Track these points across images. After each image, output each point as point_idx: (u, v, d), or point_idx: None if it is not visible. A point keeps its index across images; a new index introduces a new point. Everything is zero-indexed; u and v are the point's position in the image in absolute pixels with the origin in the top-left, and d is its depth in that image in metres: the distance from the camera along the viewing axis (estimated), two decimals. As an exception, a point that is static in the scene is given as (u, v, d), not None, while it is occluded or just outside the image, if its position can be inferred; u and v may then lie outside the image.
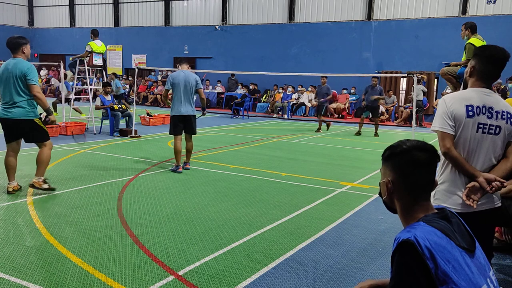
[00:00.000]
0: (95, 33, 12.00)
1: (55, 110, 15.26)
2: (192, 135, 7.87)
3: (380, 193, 1.93)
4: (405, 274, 1.56)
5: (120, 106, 12.46)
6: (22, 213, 5.10)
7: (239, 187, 6.65)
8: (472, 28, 6.73)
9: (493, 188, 2.58)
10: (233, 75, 22.82)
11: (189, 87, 7.69)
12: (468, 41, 6.62)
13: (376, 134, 13.83)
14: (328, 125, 15.08)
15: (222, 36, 23.54)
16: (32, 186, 5.84)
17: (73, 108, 13.50)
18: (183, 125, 7.76)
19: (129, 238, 4.42)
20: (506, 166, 2.70)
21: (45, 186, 5.89)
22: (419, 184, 1.77)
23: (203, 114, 8.31)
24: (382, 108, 18.47)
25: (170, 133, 7.79)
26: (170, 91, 7.84)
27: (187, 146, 7.86)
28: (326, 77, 14.31)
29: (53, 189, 5.98)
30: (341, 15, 20.76)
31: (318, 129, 14.43)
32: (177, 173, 7.45)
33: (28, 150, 8.94)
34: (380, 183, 1.90)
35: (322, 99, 14.25)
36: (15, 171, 5.95)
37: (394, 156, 1.81)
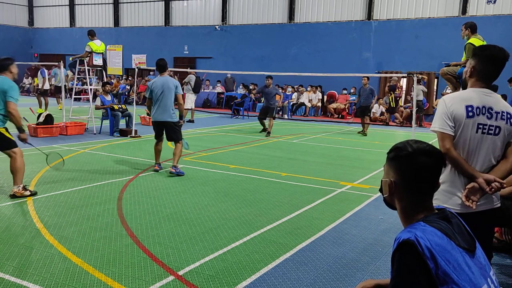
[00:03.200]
0: (92, 34, 12.00)
1: (46, 109, 15.81)
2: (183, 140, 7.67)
3: (380, 190, 1.92)
4: (406, 274, 1.56)
5: (120, 106, 12.46)
6: (22, 213, 5.10)
7: (239, 187, 6.65)
8: (472, 28, 6.72)
9: (493, 189, 2.58)
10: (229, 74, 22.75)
11: (168, 93, 7.37)
12: (468, 41, 6.62)
13: (363, 132, 13.62)
14: (268, 131, 13.00)
15: (222, 36, 23.55)
16: (13, 196, 5.72)
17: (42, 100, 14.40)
18: (162, 132, 7.58)
19: (129, 238, 4.42)
20: (506, 166, 2.70)
21: (27, 193, 5.81)
22: (421, 188, 1.76)
23: (179, 123, 7.61)
24: (384, 109, 18.49)
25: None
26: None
27: (174, 149, 7.58)
28: (271, 77, 13.28)
29: (35, 193, 5.91)
30: (341, 15, 20.77)
31: (266, 131, 13.01)
32: (154, 171, 7.48)
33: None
34: (382, 180, 1.89)
35: (272, 102, 13.16)
36: None
37: (398, 158, 1.78)
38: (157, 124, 7.54)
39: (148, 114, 14.66)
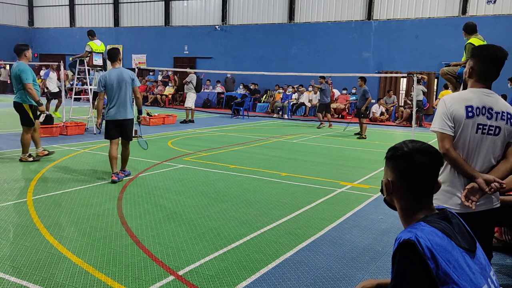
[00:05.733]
0: (92, 34, 12.02)
1: (56, 110, 15.37)
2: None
3: (381, 190, 1.92)
4: (406, 274, 1.57)
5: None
6: (22, 213, 5.10)
7: (239, 187, 6.65)
8: (467, 29, 6.70)
9: (492, 189, 2.58)
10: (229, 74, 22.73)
11: (124, 87, 6.66)
12: (468, 41, 6.61)
13: (360, 134, 13.19)
14: (322, 125, 15.86)
15: (222, 36, 23.54)
16: (20, 160, 7.88)
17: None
18: (119, 130, 6.79)
19: (129, 238, 4.42)
20: (506, 167, 2.70)
21: (30, 159, 7.92)
22: (418, 188, 1.76)
23: (138, 120, 7.10)
24: (382, 109, 18.50)
25: (105, 138, 6.88)
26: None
27: (123, 153, 6.86)
28: (323, 77, 15.75)
29: (51, 153, 8.31)
30: (341, 15, 20.76)
31: (330, 125, 15.90)
32: (112, 182, 6.59)
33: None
34: (382, 180, 1.90)
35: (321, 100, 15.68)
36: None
37: (395, 158, 1.80)
38: (115, 123, 6.69)
39: (148, 114, 14.72)
